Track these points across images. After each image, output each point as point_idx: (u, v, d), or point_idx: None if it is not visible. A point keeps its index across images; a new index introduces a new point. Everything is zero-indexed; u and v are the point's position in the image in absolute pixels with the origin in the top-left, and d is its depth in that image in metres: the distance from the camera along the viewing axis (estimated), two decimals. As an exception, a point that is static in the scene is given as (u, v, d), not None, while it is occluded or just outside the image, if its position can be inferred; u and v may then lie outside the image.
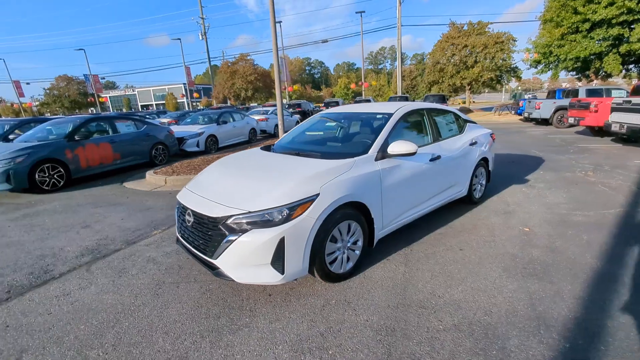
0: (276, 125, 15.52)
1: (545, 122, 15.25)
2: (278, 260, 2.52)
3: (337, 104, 25.62)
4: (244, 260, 2.53)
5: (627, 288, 2.69)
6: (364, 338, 2.28)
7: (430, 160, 3.75)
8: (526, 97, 25.61)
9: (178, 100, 50.65)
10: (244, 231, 2.52)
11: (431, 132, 4.04)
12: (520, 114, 18.46)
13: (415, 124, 3.99)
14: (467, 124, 4.80)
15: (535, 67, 20.36)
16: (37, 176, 6.74)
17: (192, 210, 2.84)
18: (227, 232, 2.56)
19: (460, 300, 2.64)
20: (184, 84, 46.12)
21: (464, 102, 33.02)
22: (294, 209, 2.56)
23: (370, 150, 3.25)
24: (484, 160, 4.89)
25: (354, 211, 2.95)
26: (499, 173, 6.56)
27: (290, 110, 24.13)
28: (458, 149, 4.28)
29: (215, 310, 2.66)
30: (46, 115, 39.46)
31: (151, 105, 60.29)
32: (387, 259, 3.37)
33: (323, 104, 26.09)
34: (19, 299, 2.98)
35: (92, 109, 46.07)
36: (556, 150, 8.97)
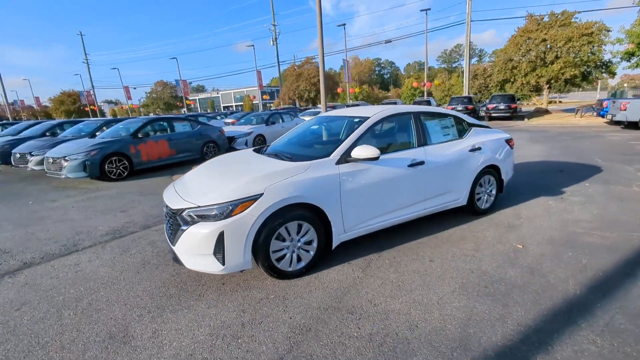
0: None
1: (634, 125, 12.89)
2: (219, 252, 2.74)
3: (394, 103, 24.98)
4: (192, 249, 2.79)
5: (591, 325, 2.30)
6: (277, 333, 2.37)
7: (410, 165, 3.59)
8: (631, 95, 21.67)
9: (254, 102, 54.21)
10: (194, 223, 2.79)
11: (416, 137, 3.85)
12: (602, 116, 15.82)
13: (398, 128, 3.85)
14: (472, 128, 4.42)
15: (628, 61, 17.17)
16: (106, 167, 8.01)
17: (165, 203, 3.21)
18: (181, 223, 2.86)
19: (392, 311, 2.55)
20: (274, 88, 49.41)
21: (541, 103, 29.31)
22: (236, 206, 2.75)
23: (333, 154, 3.27)
24: (493, 168, 4.46)
25: (306, 212, 3.02)
26: (532, 183, 5.86)
27: (349, 111, 24.11)
28: (452, 154, 4.00)
29: (173, 291, 2.98)
30: (150, 115, 46.10)
31: (231, 106, 65.55)
32: (349, 262, 3.35)
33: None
34: (46, 264, 3.69)
35: (184, 109, 52.10)
36: (627, 159, 7.60)
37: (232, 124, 14.72)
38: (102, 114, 56.12)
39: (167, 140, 9.26)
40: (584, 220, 4.11)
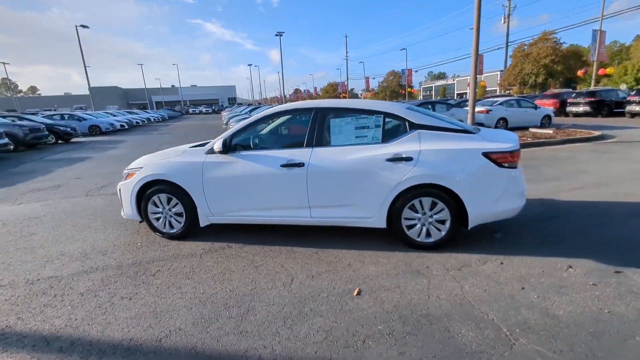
0: (499, 120, 12.85)
1: None
2: (123, 203, 3.91)
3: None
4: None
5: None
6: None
7: (283, 165, 3.32)
8: None
9: (486, 89, 48.70)
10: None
11: (308, 136, 3.37)
12: None
13: (292, 125, 3.49)
14: (418, 131, 3.16)
15: None
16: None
17: None
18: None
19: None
20: (501, 71, 43.56)
21: None
22: (127, 174, 3.82)
23: (208, 144, 3.62)
24: (444, 190, 3.07)
25: (174, 189, 3.65)
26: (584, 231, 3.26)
27: (581, 99, 18.09)
28: (351, 161, 3.19)
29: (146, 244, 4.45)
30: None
31: (465, 93, 61.60)
32: (211, 242, 3.67)
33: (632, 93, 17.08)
34: (84, 198, 6.11)
35: (421, 96, 54.20)
36: None
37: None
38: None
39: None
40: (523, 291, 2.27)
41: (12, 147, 12.27)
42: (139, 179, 3.68)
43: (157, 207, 3.77)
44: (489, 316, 2.25)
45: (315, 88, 74.91)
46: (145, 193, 3.72)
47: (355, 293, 2.61)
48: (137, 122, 27.96)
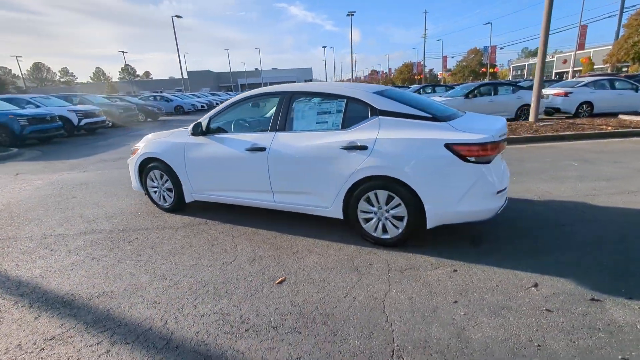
0: (581, 105, 10.69)
1: None
2: (131, 176, 4.39)
3: None
4: (132, 172, 4.62)
5: None
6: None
7: (248, 149, 3.33)
8: None
9: (597, 67, 40.59)
10: None
11: (273, 120, 3.27)
12: None
13: (260, 109, 3.42)
14: (379, 117, 2.81)
15: None
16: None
17: None
18: None
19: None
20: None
21: None
22: (133, 150, 4.25)
23: (191, 126, 3.79)
24: (401, 184, 2.73)
25: (163, 166, 3.94)
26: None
27: None
28: (308, 147, 3.04)
29: (153, 212, 5.00)
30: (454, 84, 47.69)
31: (565, 72, 52.39)
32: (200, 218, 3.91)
33: None
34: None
35: (510, 76, 47.95)
36: None
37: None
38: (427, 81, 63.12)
39: (488, 103, 10.58)
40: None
41: (110, 124, 14.53)
42: (138, 155, 4.08)
43: (154, 181, 4.14)
44: (391, 327, 2.02)
45: (390, 69, 71.64)
46: (145, 168, 4.11)
47: (277, 282, 2.56)
48: (216, 103, 30.45)
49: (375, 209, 2.95)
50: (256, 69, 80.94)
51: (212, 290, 2.49)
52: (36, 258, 3.12)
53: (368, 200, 2.96)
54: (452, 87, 14.85)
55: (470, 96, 10.82)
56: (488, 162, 2.63)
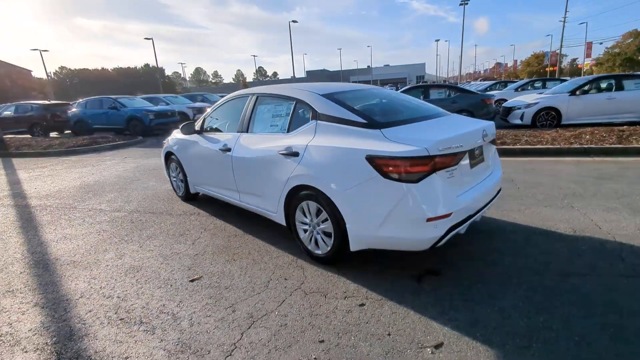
0: None
1: None
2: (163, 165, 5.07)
3: None
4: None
5: None
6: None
7: (220, 149, 3.42)
8: None
9: None
10: None
11: (240, 122, 3.27)
12: None
13: (238, 110, 3.40)
14: (318, 122, 2.47)
15: None
16: (537, 118, 8.72)
17: None
18: None
19: (123, 226, 3.81)
20: None
21: None
22: (164, 142, 4.87)
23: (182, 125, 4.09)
24: (323, 196, 2.38)
25: (176, 158, 4.40)
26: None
27: None
28: (258, 150, 2.95)
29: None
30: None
31: None
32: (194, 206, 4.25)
33: None
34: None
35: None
36: None
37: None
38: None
39: (607, 99, 8.25)
40: None
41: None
42: (164, 148, 4.66)
43: (172, 172, 4.68)
44: (233, 349, 1.83)
45: (515, 61, 61.00)
46: (168, 160, 4.68)
47: (191, 279, 2.60)
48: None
49: (308, 220, 2.69)
50: (368, 66, 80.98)
51: (133, 274, 2.71)
52: (64, 224, 3.93)
53: (303, 211, 2.71)
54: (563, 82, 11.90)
55: (578, 93, 8.49)
56: (415, 181, 2.08)
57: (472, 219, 2.40)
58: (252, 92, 3.38)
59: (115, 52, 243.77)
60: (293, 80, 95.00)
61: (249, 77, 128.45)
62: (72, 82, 65.25)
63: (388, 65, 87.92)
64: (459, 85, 12.94)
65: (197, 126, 3.95)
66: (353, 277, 2.49)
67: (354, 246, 2.38)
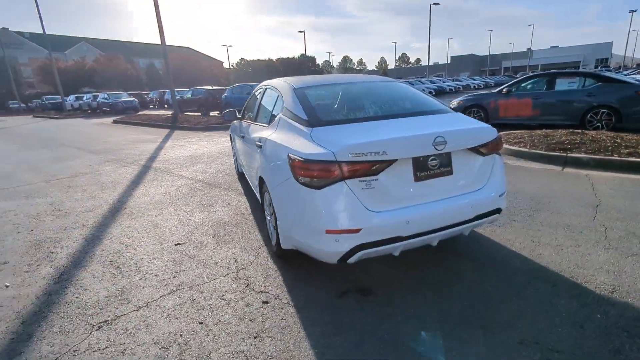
0: None
1: None
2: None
3: None
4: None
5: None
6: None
7: (240, 134, 3.76)
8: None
9: None
10: None
11: (255, 111, 3.52)
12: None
13: (256, 100, 3.59)
14: (282, 116, 2.37)
15: None
16: (587, 117, 7.26)
17: None
18: None
19: (182, 191, 4.68)
20: None
21: None
22: (232, 128, 5.59)
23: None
24: (267, 189, 2.35)
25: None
26: None
27: None
28: (250, 140, 3.14)
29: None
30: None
31: None
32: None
33: None
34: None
35: None
36: None
37: None
38: None
39: (532, 99, 7.82)
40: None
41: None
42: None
43: (234, 153, 5.35)
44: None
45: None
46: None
47: (176, 243, 3.07)
48: (450, 89, 28.71)
49: (267, 211, 2.73)
50: (528, 49, 67.13)
51: (153, 228, 3.36)
52: (154, 185, 5.08)
53: (266, 202, 2.76)
54: None
55: None
56: (318, 187, 1.84)
57: (412, 241, 1.95)
58: (264, 84, 3.53)
59: (285, 43, 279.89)
60: (435, 66, 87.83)
61: (392, 64, 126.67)
62: (246, 71, 79.18)
63: (556, 46, 70.54)
64: (602, 72, 9.52)
65: (239, 113, 4.37)
66: (291, 275, 2.43)
67: (283, 244, 2.32)
